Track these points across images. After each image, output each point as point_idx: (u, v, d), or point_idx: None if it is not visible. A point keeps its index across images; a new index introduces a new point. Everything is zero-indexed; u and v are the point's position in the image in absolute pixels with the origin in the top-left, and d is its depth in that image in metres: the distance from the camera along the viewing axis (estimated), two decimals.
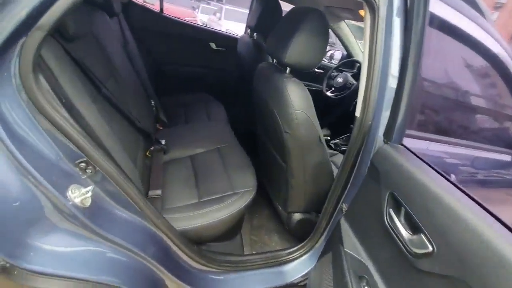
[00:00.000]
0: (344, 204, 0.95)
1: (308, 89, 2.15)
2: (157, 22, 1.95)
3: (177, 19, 2.00)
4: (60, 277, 0.61)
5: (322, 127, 2.03)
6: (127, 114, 1.11)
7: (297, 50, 0.97)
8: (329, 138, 2.00)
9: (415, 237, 0.57)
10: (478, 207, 0.48)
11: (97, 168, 0.71)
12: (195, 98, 1.98)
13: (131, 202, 0.80)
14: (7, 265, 0.53)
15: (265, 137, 1.35)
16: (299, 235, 1.32)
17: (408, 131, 0.77)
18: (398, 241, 0.61)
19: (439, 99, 0.99)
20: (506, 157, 1.23)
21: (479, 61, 1.11)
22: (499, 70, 1.14)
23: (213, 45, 2.08)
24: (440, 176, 0.61)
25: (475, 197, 0.50)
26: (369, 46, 0.82)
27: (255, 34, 1.79)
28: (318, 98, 2.03)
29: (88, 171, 0.70)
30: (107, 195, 0.76)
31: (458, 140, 1.03)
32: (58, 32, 0.77)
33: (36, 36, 0.53)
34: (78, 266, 0.66)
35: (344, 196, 0.96)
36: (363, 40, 0.86)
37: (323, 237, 1.11)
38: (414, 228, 0.59)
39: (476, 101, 1.20)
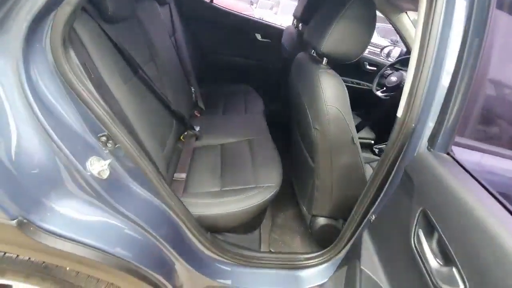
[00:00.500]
0: (373, 215, 0.84)
1: (357, 87, 1.99)
2: (207, 11, 1.99)
3: (225, 9, 2.01)
4: (72, 240, 0.65)
5: (366, 129, 1.86)
6: (162, 97, 1.16)
7: (336, 38, 0.88)
8: (373, 142, 1.82)
9: (445, 269, 0.46)
10: None
11: (117, 144, 0.74)
12: (236, 89, 1.98)
13: (148, 181, 0.82)
14: (25, 220, 0.58)
15: (297, 133, 1.28)
16: (322, 241, 1.22)
17: (459, 139, 0.63)
18: (424, 270, 0.50)
19: (508, 104, 0.79)
20: None
21: None
22: None
23: (258, 36, 2.05)
24: (494, 199, 0.47)
25: None
26: (421, 35, 0.69)
27: (300, 24, 1.70)
28: (365, 97, 1.87)
29: (109, 145, 0.73)
30: (126, 171, 0.79)
31: None
32: (98, 12, 0.82)
33: (65, 10, 0.56)
34: (90, 234, 0.69)
35: (374, 206, 0.85)
36: (416, 27, 0.73)
37: (346, 248, 1.00)
38: (445, 257, 0.47)
39: None
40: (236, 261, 1.01)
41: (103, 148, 0.73)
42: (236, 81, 2.05)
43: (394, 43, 3.31)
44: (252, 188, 1.12)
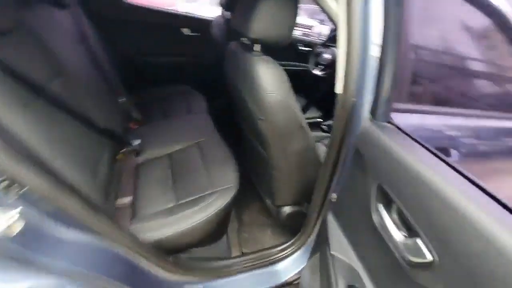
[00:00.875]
0: (334, 194, 0.84)
1: (294, 69, 1.99)
2: (120, 10, 1.77)
3: (142, 6, 1.81)
4: None
5: (312, 108, 1.90)
6: (82, 116, 0.98)
7: (263, 21, 0.83)
8: (321, 120, 1.87)
9: (410, 241, 0.45)
10: (495, 203, 0.35)
11: (26, 187, 0.59)
12: (173, 91, 1.84)
13: (79, 221, 0.68)
14: None
15: (244, 126, 1.22)
16: (293, 229, 1.22)
17: (397, 105, 0.64)
18: (390, 245, 0.49)
19: (432, 66, 0.84)
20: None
21: (477, 18, 0.96)
22: (502, 27, 0.98)
23: (186, 31, 1.91)
24: (440, 161, 0.48)
25: (491, 190, 0.37)
26: (344, 10, 0.68)
27: (227, 13, 1.62)
28: (305, 78, 1.89)
29: (15, 190, 0.58)
30: (47, 216, 0.64)
31: (457, 110, 0.89)
32: None
33: None
34: None
35: (332, 185, 0.85)
36: (338, 3, 0.72)
37: (315, 230, 1.00)
38: (409, 229, 0.47)
39: (476, 65, 1.05)
40: (206, 275, 0.94)
41: (6, 196, 0.57)
42: (172, 83, 1.90)
43: (322, 22, 3.44)
44: (210, 194, 1.04)
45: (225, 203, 1.02)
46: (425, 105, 0.82)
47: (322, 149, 1.35)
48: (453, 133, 0.90)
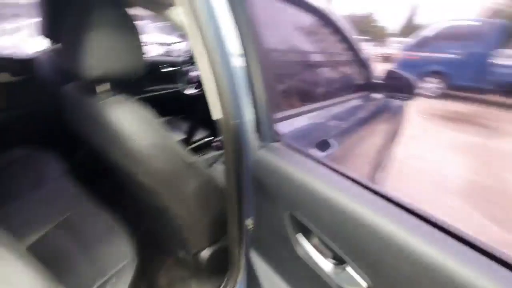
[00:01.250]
0: (248, 220, 0.76)
1: (168, 94, 1.81)
2: None
3: None
4: None
5: (199, 129, 1.78)
6: None
7: (101, 54, 0.65)
8: (211, 138, 1.78)
9: (340, 269, 0.41)
10: (413, 217, 0.33)
11: None
12: (7, 160, 1.33)
13: None
14: None
15: (123, 180, 0.98)
16: (219, 270, 1.08)
17: (277, 115, 0.61)
18: (323, 276, 0.44)
19: (293, 68, 0.89)
20: (359, 100, 1.33)
21: (305, 17, 1.08)
22: (326, 22, 1.15)
23: (3, 77, 1.40)
24: (343, 177, 0.45)
25: (406, 204, 0.35)
26: (192, 27, 0.61)
27: (54, 45, 1.29)
28: (181, 100, 1.76)
29: None
30: None
31: (325, 102, 0.98)
32: None
33: None
34: None
35: (244, 212, 0.76)
36: (184, 19, 0.64)
37: (242, 267, 0.90)
38: (336, 256, 0.43)
39: (323, 57, 1.21)
40: None
41: None
42: (2, 148, 1.37)
43: (183, 38, 3.31)
44: (102, 285, 0.77)
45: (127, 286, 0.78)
46: (299, 106, 0.85)
47: (221, 170, 1.27)
48: (326, 123, 0.99)
